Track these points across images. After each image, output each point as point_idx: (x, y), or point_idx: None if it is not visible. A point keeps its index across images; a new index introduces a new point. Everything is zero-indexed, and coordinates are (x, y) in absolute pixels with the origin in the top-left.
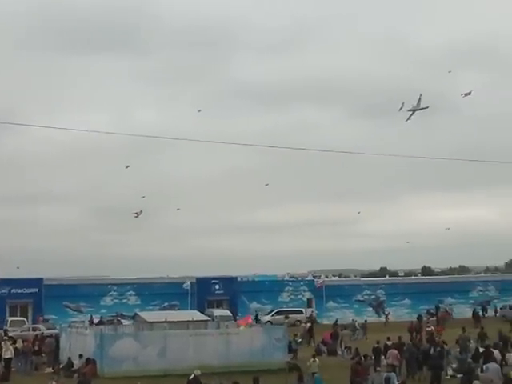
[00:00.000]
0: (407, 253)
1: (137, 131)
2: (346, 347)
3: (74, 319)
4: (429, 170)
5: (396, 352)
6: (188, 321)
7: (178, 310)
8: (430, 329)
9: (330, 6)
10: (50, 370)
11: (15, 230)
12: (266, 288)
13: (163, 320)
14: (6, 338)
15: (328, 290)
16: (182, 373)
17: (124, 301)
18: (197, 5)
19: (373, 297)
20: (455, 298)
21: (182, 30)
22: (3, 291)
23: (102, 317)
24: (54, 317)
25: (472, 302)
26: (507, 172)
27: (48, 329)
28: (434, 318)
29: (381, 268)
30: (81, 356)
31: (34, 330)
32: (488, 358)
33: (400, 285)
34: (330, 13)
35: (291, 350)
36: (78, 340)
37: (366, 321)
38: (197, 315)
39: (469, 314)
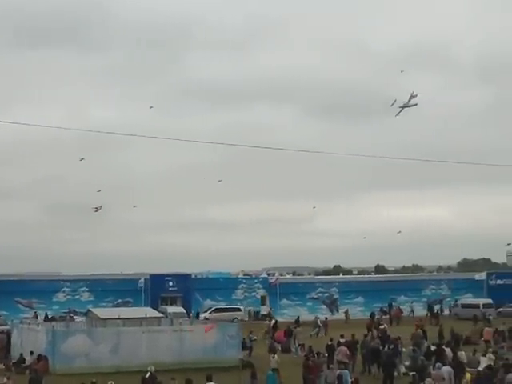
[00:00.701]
0: (361, 251)
1: (91, 127)
2: (299, 344)
3: (25, 315)
4: (383, 169)
5: (345, 349)
6: (141, 317)
7: (132, 306)
8: (382, 326)
9: (286, 4)
10: (1, 366)
11: None
12: (220, 285)
13: (116, 317)
14: None
15: (282, 287)
16: (135, 369)
17: (77, 297)
18: (153, 3)
19: (326, 295)
20: (408, 297)
21: (138, 28)
22: None
23: (46, 313)
24: (5, 313)
25: (425, 300)
26: (460, 172)
27: None
28: (387, 316)
29: (335, 266)
30: (32, 352)
31: None
32: (440, 356)
33: (353, 283)
34: (286, 12)
35: (245, 347)
36: (29, 336)
37: (326, 318)
38: (150, 312)
39: (422, 312)
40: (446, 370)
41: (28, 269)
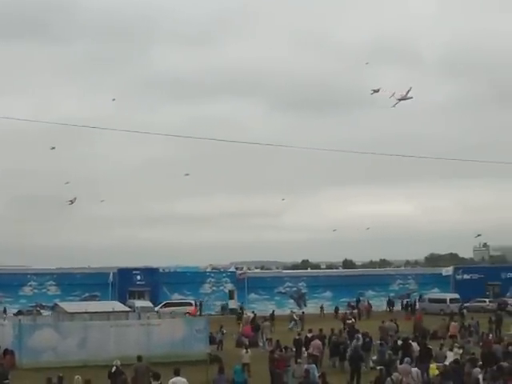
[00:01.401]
0: (329, 246)
1: (57, 120)
2: (266, 339)
3: None
4: (351, 164)
5: (319, 343)
6: (109, 312)
7: (99, 300)
8: (350, 321)
9: None
10: None
11: None
12: (188, 279)
13: (83, 311)
14: None
15: (250, 281)
16: (102, 364)
17: (44, 291)
18: None
19: (294, 289)
20: (376, 291)
21: (103, 19)
22: None
23: (5, 308)
24: None
25: (392, 295)
26: (427, 167)
27: None
28: (356, 311)
29: (303, 260)
30: None
31: None
32: (407, 350)
33: (321, 277)
34: (252, 4)
35: (213, 341)
36: None
37: (303, 312)
38: (118, 306)
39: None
40: (415, 370)
41: None
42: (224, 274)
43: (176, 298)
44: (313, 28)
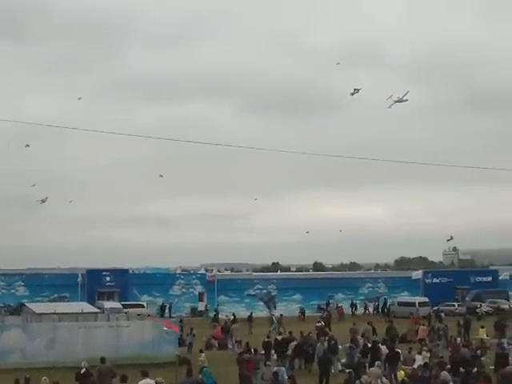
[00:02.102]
0: (299, 249)
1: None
2: (236, 341)
3: None
4: (322, 167)
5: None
6: (77, 313)
7: (68, 301)
8: (319, 324)
9: (227, 1)
10: None
11: None
12: (158, 281)
13: (52, 312)
14: None
15: (220, 283)
16: (70, 365)
17: (12, 291)
18: None
19: (264, 291)
20: (345, 294)
21: (79, 21)
22: None
23: None
24: None
25: (362, 298)
26: (397, 171)
27: None
28: (325, 314)
29: (273, 263)
30: None
31: None
32: (376, 353)
33: (291, 280)
34: (226, 7)
35: (182, 343)
36: None
37: (281, 315)
38: (86, 307)
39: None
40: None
41: None
42: (194, 276)
43: (145, 299)
44: (285, 31)
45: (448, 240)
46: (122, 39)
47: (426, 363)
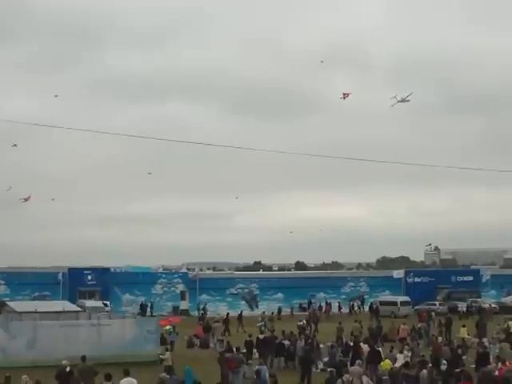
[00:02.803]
0: (281, 248)
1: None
2: (218, 340)
3: None
4: (304, 167)
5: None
6: (59, 311)
7: (50, 300)
8: (301, 323)
9: (204, 1)
10: None
11: None
12: (139, 280)
13: (33, 310)
14: None
15: (202, 282)
16: (52, 364)
17: None
18: None
19: (246, 290)
20: (328, 293)
21: (56, 20)
22: None
23: None
24: None
25: (344, 297)
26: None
27: None
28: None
29: (255, 262)
30: None
31: None
32: (357, 352)
33: (273, 279)
34: (205, 7)
35: (163, 342)
36: None
37: (272, 313)
38: (68, 306)
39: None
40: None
41: None
42: (176, 275)
43: (127, 298)
44: (265, 31)
45: (427, 245)
46: (99, 39)
47: (406, 362)
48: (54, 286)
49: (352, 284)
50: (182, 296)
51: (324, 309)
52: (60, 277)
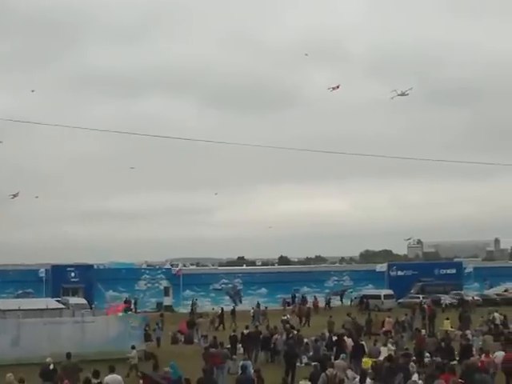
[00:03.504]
0: (265, 242)
1: None
2: (202, 335)
3: None
4: (285, 161)
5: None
6: (42, 309)
7: (33, 297)
8: (285, 317)
9: None
10: None
11: None
12: (123, 276)
13: (16, 308)
14: None
15: (185, 278)
16: (36, 362)
17: None
18: None
19: (230, 285)
20: (311, 288)
21: (36, 15)
22: None
23: None
24: None
25: (327, 291)
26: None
27: None
28: (291, 307)
29: (238, 257)
30: None
31: None
32: (341, 346)
33: (257, 274)
34: (186, 2)
35: (148, 338)
36: None
37: (266, 307)
38: (51, 303)
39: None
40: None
41: None
42: (159, 271)
43: (110, 294)
44: (245, 27)
45: (407, 239)
46: (79, 34)
47: (390, 355)
48: (36, 283)
49: (335, 278)
50: (166, 292)
51: (312, 303)
52: (43, 274)
